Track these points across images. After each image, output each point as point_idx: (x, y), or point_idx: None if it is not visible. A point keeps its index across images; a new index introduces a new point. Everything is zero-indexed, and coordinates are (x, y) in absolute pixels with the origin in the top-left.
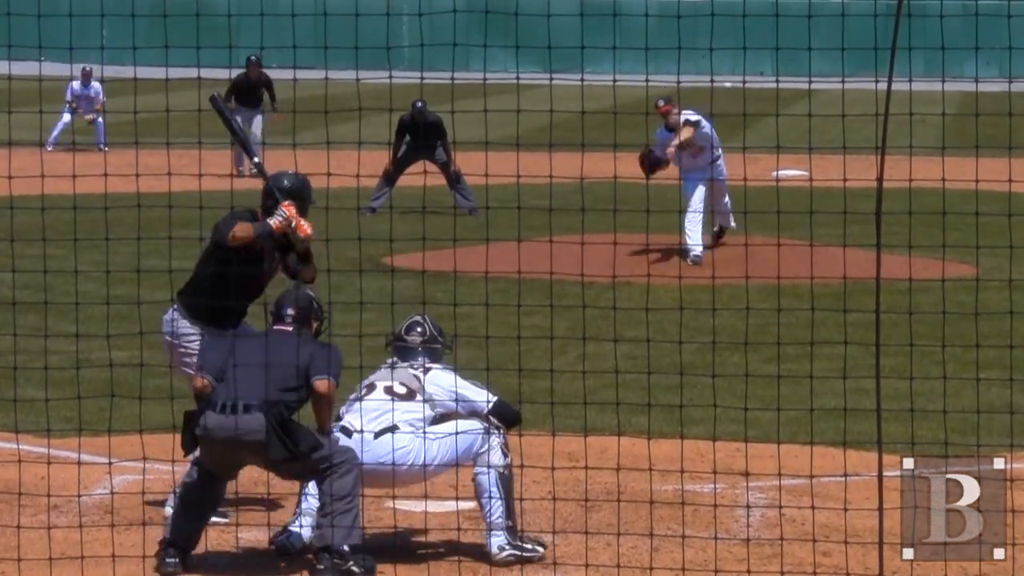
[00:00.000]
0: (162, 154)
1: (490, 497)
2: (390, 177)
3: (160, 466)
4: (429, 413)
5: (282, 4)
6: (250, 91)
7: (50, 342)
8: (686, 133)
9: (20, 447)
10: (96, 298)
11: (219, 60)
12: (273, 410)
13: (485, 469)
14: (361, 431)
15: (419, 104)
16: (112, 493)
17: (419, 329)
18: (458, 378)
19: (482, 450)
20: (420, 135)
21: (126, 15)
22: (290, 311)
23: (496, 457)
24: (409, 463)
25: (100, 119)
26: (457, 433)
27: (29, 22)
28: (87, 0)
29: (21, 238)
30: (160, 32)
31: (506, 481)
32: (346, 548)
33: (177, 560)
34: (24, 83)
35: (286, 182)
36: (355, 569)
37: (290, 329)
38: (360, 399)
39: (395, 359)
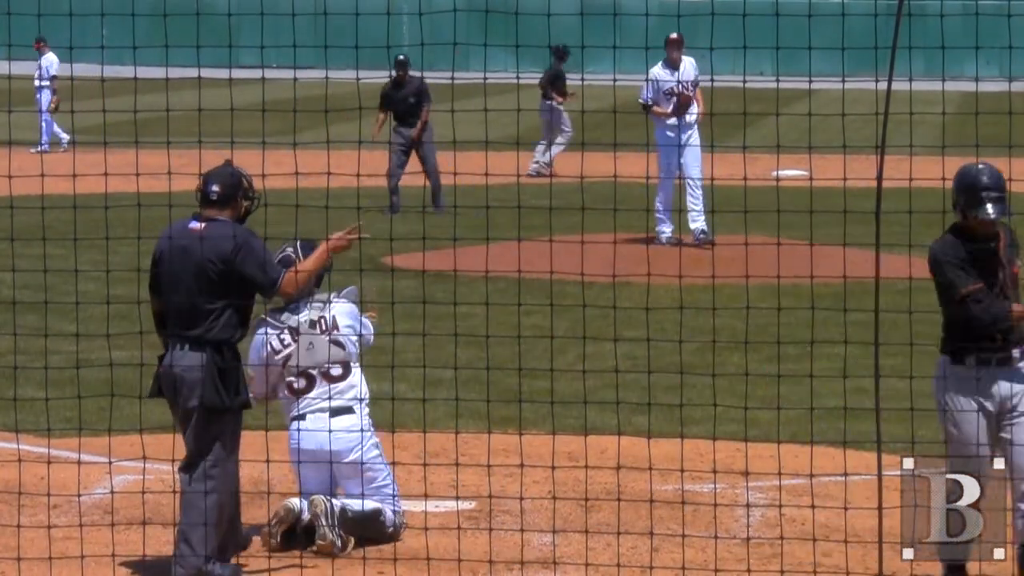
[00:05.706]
0: (162, 154)
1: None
2: (392, 176)
3: (160, 466)
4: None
5: (282, 4)
6: None
7: (50, 342)
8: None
9: (20, 447)
10: (96, 298)
11: (219, 60)
12: (212, 354)
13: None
14: (322, 411)
15: (401, 57)
16: (112, 493)
17: (294, 259)
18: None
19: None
20: (403, 102)
21: (126, 15)
22: (215, 188)
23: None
24: (366, 447)
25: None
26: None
27: (29, 22)
28: (87, 0)
29: (21, 238)
30: (160, 32)
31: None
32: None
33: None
34: (24, 83)
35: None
36: None
37: (219, 218)
38: (299, 389)
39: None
